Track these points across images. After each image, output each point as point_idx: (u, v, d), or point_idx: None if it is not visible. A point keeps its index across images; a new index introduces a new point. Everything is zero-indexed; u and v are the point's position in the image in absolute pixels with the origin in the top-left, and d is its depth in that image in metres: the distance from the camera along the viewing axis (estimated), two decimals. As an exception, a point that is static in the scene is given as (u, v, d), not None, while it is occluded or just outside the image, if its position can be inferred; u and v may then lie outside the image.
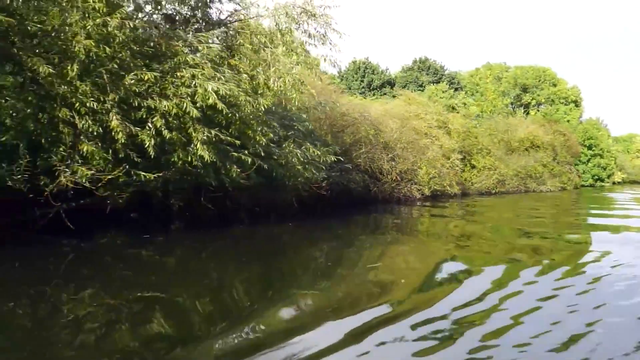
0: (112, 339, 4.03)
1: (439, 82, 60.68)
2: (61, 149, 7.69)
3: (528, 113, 65.18)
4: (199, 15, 9.81)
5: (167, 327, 4.39)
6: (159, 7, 9.31)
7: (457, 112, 37.73)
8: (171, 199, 10.18)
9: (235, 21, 10.31)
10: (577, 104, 68.48)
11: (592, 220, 15.72)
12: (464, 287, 5.69)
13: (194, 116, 8.48)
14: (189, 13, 9.65)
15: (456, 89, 62.21)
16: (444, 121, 29.18)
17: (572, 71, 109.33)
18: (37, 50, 7.54)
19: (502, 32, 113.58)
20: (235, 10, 10.24)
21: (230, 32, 9.84)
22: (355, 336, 3.87)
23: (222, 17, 10.14)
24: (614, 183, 62.33)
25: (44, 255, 7.62)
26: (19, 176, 7.07)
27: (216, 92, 8.47)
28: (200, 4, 10.03)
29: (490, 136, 36.25)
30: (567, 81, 70.80)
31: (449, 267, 7.24)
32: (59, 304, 5.12)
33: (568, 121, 57.77)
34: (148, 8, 9.26)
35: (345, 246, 9.67)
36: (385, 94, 53.51)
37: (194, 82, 8.46)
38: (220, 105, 8.55)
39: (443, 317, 4.37)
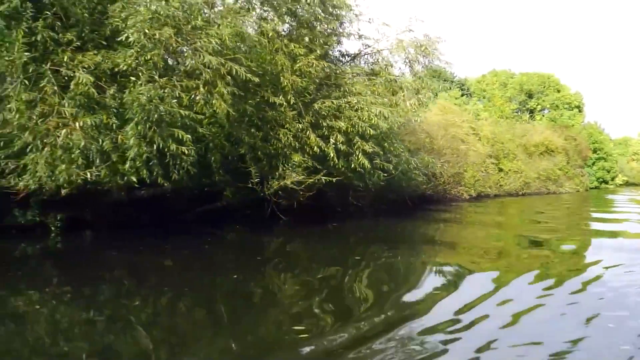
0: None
1: (450, 89, 63.29)
2: (276, 160, 10.16)
3: (533, 118, 67.96)
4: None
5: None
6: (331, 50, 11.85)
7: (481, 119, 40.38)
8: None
9: (368, 54, 12.85)
10: (579, 109, 71.51)
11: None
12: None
13: (360, 132, 10.98)
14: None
15: (463, 95, 64.85)
16: (474, 128, 31.84)
17: (565, 75, 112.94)
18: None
19: (498, 38, 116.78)
20: (368, 46, 12.78)
21: (369, 64, 12.39)
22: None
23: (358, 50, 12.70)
24: (617, 185, 65.34)
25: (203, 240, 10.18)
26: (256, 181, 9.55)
27: (376, 115, 10.98)
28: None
29: (510, 141, 38.95)
30: (570, 87, 73.76)
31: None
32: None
33: (572, 126, 60.61)
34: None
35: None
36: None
37: (360, 106, 10.97)
38: (381, 124, 11.07)
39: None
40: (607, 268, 6.81)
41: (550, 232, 11.86)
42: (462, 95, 61.55)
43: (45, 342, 4.31)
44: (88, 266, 7.65)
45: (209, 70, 8.26)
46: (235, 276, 6.90)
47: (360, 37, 12.55)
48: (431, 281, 6.49)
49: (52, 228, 10.36)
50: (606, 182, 63.02)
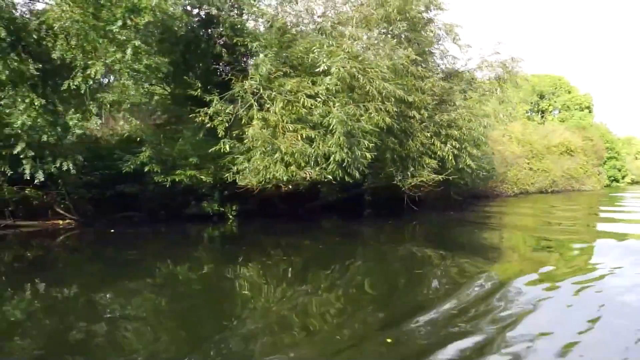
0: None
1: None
2: (407, 161, 12.75)
3: (545, 119, 70.43)
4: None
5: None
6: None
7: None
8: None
9: (460, 72, 15.44)
10: (590, 109, 74.08)
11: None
12: None
13: (468, 139, 13.58)
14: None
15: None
16: (507, 129, 34.44)
17: (566, 76, 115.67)
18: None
19: (501, 39, 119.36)
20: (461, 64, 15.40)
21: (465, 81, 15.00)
22: None
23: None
24: (628, 183, 68.00)
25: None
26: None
27: (481, 125, 13.59)
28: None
29: (536, 142, 41.56)
30: (579, 88, 76.27)
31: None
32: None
33: (590, 126, 63.08)
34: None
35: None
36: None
37: (468, 118, 13.55)
38: (482, 132, 13.67)
39: None
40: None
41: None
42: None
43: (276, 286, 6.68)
44: (260, 245, 10.29)
45: (379, 93, 10.86)
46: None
47: (454, 58, 15.17)
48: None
49: (230, 216, 12.99)
50: (617, 181, 65.70)
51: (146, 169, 11.09)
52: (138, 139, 11.28)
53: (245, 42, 11.01)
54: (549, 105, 73.76)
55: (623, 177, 66.61)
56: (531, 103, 73.83)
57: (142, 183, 12.07)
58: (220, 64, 12.56)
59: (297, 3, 12.33)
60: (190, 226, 12.44)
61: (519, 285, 5.85)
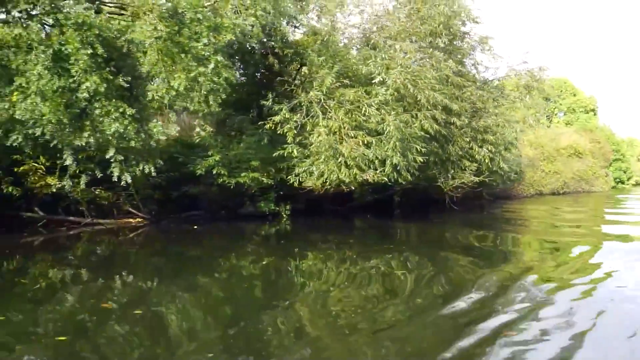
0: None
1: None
2: (448, 164, 13.76)
3: (551, 121, 71.35)
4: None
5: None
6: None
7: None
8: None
9: (491, 79, 16.47)
10: (594, 112, 75.05)
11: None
12: None
13: (501, 142, 14.59)
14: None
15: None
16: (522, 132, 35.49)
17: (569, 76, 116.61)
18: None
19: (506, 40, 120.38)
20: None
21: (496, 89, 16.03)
22: None
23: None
24: (633, 185, 68.94)
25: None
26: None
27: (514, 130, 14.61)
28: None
29: (547, 145, 42.59)
30: (584, 91, 77.20)
31: None
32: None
33: (596, 129, 64.03)
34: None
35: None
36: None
37: (502, 124, 14.57)
38: (514, 136, 14.67)
39: None
40: None
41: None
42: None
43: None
44: (313, 240, 11.36)
45: (427, 102, 11.89)
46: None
47: (486, 67, 16.21)
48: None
49: (284, 215, 14.01)
50: (622, 182, 66.65)
51: (214, 171, 12.11)
52: (206, 144, 12.29)
53: (302, 54, 12.05)
54: (555, 108, 74.73)
55: (628, 179, 67.62)
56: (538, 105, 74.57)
57: (205, 184, 13.09)
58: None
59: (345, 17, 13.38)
60: (247, 224, 13.46)
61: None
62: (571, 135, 49.00)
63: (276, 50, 13.04)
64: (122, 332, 4.45)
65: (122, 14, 10.80)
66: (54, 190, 11.83)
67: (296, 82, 12.23)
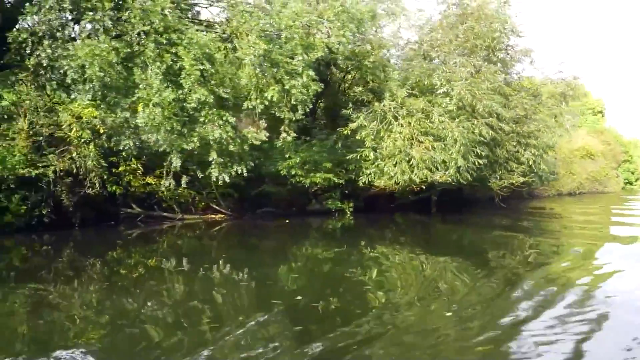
0: None
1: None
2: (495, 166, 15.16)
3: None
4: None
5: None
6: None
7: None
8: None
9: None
10: (602, 114, 76.19)
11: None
12: None
13: (542, 146, 15.97)
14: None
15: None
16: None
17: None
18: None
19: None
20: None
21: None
22: None
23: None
24: (640, 186, 70.00)
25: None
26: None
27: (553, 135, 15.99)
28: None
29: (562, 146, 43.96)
30: (592, 93, 78.27)
31: None
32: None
33: (607, 130, 65.12)
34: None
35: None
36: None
37: (544, 129, 15.95)
38: (556, 141, 16.04)
39: None
40: None
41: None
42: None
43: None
44: (369, 235, 12.72)
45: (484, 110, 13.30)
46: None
47: (528, 78, 17.60)
48: None
49: (348, 211, 15.41)
50: (631, 183, 67.88)
51: (292, 171, 13.52)
52: (284, 147, 13.70)
53: (364, 65, 13.49)
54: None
55: (636, 180, 68.92)
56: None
57: (279, 184, 14.53)
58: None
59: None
60: (315, 220, 14.86)
61: None
62: (583, 137, 50.34)
63: (338, 62, 14.48)
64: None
65: (225, 34, 12.18)
66: (149, 189, 13.32)
67: (368, 93, 13.65)
